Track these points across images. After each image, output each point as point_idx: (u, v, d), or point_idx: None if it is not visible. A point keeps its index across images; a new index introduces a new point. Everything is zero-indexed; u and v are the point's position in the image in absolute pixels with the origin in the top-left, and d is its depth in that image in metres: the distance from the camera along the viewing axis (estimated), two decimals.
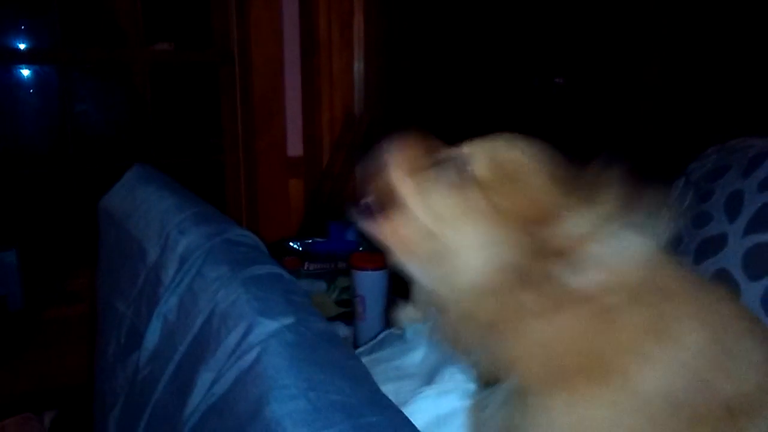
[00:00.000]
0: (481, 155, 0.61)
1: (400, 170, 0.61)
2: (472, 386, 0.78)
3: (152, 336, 0.76)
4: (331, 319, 1.79)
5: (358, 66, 2.22)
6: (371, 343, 1.03)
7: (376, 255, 1.74)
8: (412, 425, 0.58)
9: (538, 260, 0.54)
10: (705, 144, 1.22)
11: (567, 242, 0.54)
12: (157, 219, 0.82)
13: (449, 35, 2.05)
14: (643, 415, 0.54)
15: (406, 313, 1.01)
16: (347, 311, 1.79)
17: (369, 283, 1.68)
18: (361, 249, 1.98)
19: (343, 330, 1.73)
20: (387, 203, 0.62)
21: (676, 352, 0.55)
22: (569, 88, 1.96)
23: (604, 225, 0.54)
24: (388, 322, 1.44)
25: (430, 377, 0.84)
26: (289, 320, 0.66)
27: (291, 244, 2.03)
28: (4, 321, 1.92)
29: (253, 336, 0.65)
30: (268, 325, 0.65)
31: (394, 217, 0.61)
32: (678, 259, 0.62)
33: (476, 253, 0.58)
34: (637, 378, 0.54)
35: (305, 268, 1.91)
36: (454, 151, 0.62)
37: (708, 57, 1.50)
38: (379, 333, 1.10)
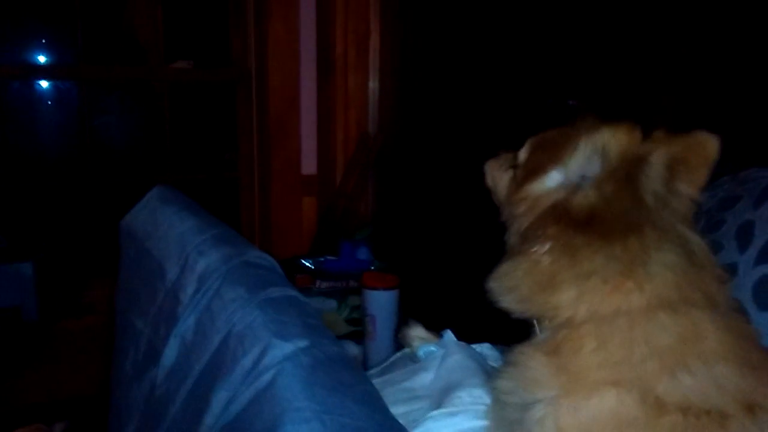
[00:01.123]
0: (527, 145, 0.80)
1: (488, 173, 0.87)
2: (480, 407, 0.80)
3: (170, 354, 0.78)
4: (342, 337, 1.80)
5: (373, 86, 2.25)
6: (383, 365, 1.04)
7: (387, 275, 1.75)
8: None
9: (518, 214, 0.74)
10: (717, 173, 1.22)
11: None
12: (177, 240, 0.84)
13: (464, 56, 2.08)
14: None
15: (416, 333, 1.02)
16: (358, 330, 1.80)
17: (380, 302, 1.69)
18: (372, 268, 1.99)
19: (353, 349, 1.74)
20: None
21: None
22: (583, 111, 1.97)
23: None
24: (398, 342, 1.45)
25: (439, 399, 0.85)
26: (304, 343, 0.67)
27: (303, 261, 2.04)
28: (18, 332, 1.95)
29: (269, 358, 0.67)
30: (283, 348, 0.67)
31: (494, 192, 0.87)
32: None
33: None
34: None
35: (317, 286, 1.93)
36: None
37: (723, 85, 1.51)
38: (390, 354, 1.11)
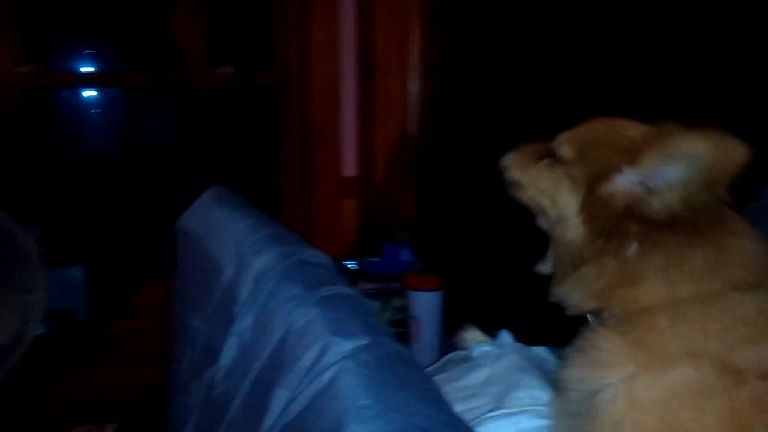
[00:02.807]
0: (566, 140, 0.80)
1: (516, 166, 0.87)
2: (540, 408, 0.79)
3: (228, 353, 0.78)
4: None
5: (413, 87, 2.24)
6: (434, 365, 1.03)
7: (430, 275, 1.74)
8: None
9: (596, 215, 0.73)
10: (761, 180, 1.18)
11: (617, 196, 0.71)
12: (232, 239, 0.84)
13: (504, 56, 2.06)
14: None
15: (472, 335, 1.01)
16: (401, 332, 1.79)
17: (424, 303, 1.67)
18: (415, 269, 1.98)
19: None
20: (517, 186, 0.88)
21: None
22: (627, 109, 1.93)
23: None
24: (445, 343, 1.44)
25: (499, 398, 0.84)
26: (363, 341, 0.67)
27: (345, 263, 2.04)
28: (69, 334, 1.99)
29: (329, 356, 0.66)
30: (343, 346, 0.66)
31: (522, 191, 0.86)
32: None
33: (565, 212, 0.78)
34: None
35: (359, 287, 1.92)
36: (550, 144, 0.83)
37: None
38: (435, 356, 1.10)
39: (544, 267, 0.84)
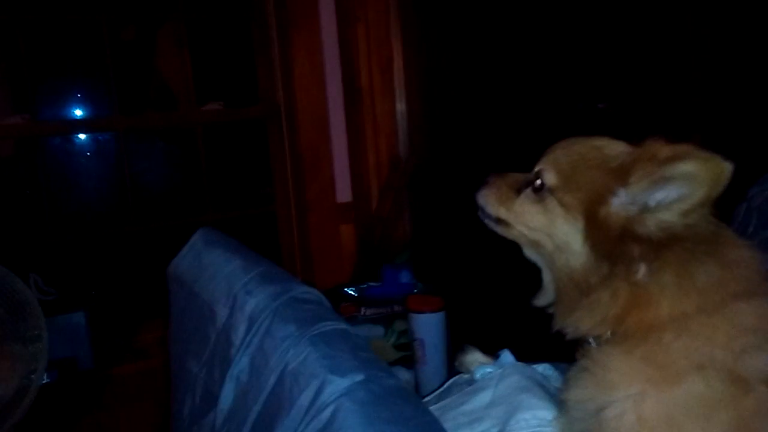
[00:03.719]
0: (548, 167, 0.77)
1: (495, 203, 0.83)
2: (547, 429, 0.78)
3: (226, 397, 0.78)
4: (392, 364, 1.78)
5: (400, 108, 2.26)
6: (438, 390, 1.02)
7: (431, 297, 1.73)
8: None
9: (600, 240, 0.71)
10: (765, 166, 1.19)
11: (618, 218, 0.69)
12: (224, 281, 0.84)
13: (488, 68, 2.07)
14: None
15: (473, 357, 1.00)
16: (407, 355, 1.78)
17: (427, 325, 1.67)
18: (416, 291, 1.98)
19: (403, 374, 1.71)
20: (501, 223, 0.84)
21: None
22: (612, 113, 1.94)
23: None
24: (451, 366, 1.43)
25: (504, 421, 0.83)
26: (359, 377, 0.67)
27: (346, 290, 2.04)
28: (75, 381, 1.98)
29: (326, 395, 0.66)
30: (339, 383, 0.66)
31: (508, 229, 0.83)
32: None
33: (564, 240, 0.75)
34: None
35: (362, 313, 1.92)
36: (529, 174, 0.80)
37: (760, 77, 1.47)
38: (442, 377, 1.10)
39: (542, 299, 0.82)
